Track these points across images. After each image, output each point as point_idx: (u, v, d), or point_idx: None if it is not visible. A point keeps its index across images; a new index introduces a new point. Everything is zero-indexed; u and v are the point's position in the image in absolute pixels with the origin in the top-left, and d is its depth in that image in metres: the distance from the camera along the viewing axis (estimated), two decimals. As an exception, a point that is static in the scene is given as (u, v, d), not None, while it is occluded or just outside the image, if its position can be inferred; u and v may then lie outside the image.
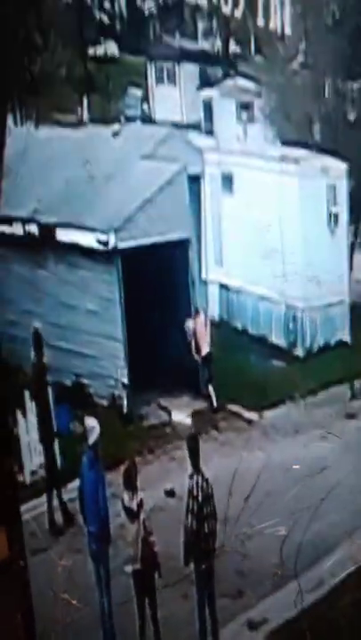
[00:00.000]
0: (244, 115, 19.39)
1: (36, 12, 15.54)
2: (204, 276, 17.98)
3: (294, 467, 11.98)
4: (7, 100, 15.33)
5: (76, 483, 10.84)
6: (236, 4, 16.49)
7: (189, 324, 16.17)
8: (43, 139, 16.53)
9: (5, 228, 16.10)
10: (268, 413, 16.15)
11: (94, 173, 16.10)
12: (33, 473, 13.46)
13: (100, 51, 17.59)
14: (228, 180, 18.89)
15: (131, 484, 9.92)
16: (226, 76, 19.55)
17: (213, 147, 19.06)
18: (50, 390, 13.02)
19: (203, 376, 16.26)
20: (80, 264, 15.74)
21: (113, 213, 15.56)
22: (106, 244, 15.23)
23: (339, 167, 18.23)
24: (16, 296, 16.12)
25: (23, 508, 9.33)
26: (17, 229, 16.12)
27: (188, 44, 19.01)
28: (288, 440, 15.12)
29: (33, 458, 13.40)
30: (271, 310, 18.65)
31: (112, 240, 15.21)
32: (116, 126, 17.60)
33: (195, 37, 18.95)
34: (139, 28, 18.01)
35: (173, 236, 16.00)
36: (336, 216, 18.45)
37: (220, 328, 18.39)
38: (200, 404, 16.14)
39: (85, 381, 15.95)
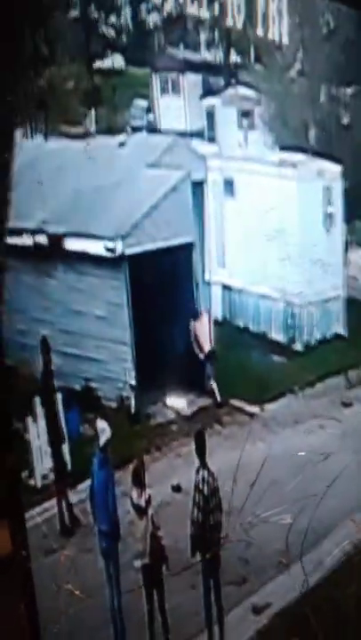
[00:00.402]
0: (245, 122, 19.70)
1: (44, 26, 15.81)
2: (207, 277, 18.34)
3: (299, 454, 12.39)
4: (16, 113, 15.69)
5: (86, 484, 11.24)
6: (236, 16, 16.92)
7: (193, 324, 16.64)
8: (51, 150, 16.79)
9: (15, 240, 16.16)
10: (269, 406, 16.59)
11: (102, 183, 16.54)
12: (44, 477, 13.58)
13: (106, 64, 17.71)
14: (229, 185, 19.37)
15: (139, 481, 10.44)
16: (227, 84, 19.70)
17: (216, 153, 19.41)
18: (59, 395, 13.40)
19: (206, 373, 16.66)
20: (88, 271, 16.09)
21: (120, 221, 16.01)
22: (114, 250, 15.69)
23: (334, 169, 18.92)
24: (26, 305, 16.32)
25: (35, 511, 9.83)
26: (26, 240, 16.40)
27: (192, 55, 19.25)
28: (288, 430, 15.63)
29: (44, 461, 13.48)
30: (271, 308, 19.10)
31: (119, 247, 15.68)
32: (122, 136, 17.86)
33: (197, 49, 19.09)
34: (144, 40, 18.25)
35: (178, 240, 16.53)
36: (332, 215, 19.11)
37: (223, 327, 18.68)
38: (205, 401, 16.47)
39: (94, 385, 16.11)
